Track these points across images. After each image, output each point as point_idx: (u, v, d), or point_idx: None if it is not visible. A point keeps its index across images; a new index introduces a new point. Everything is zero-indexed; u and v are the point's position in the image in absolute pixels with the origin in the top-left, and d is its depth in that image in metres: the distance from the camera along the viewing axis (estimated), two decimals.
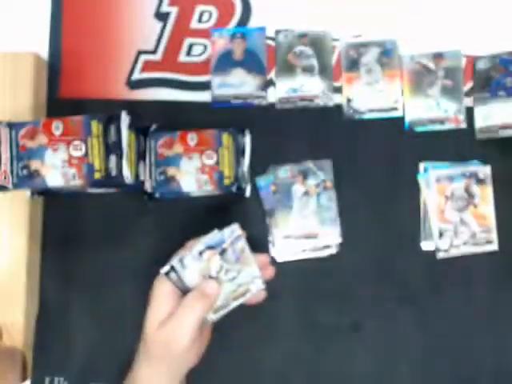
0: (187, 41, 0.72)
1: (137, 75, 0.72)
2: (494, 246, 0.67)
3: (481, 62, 0.70)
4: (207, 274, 0.55)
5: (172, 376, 0.57)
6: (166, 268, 0.55)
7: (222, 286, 0.56)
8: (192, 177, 0.65)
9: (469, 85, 0.71)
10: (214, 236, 0.55)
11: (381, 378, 0.67)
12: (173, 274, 0.55)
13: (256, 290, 0.57)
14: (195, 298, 0.55)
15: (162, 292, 0.56)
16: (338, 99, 0.71)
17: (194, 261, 0.54)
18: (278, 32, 0.72)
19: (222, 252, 0.55)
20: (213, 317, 0.58)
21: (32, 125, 0.60)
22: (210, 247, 0.54)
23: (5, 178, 0.59)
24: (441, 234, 0.67)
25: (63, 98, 0.71)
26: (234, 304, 0.58)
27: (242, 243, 0.56)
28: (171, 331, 0.54)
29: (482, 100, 0.70)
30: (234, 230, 0.55)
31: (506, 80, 0.69)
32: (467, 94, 0.70)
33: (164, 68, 0.72)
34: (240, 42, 0.72)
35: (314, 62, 0.71)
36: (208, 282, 0.56)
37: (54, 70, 0.72)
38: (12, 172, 0.59)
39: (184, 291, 0.56)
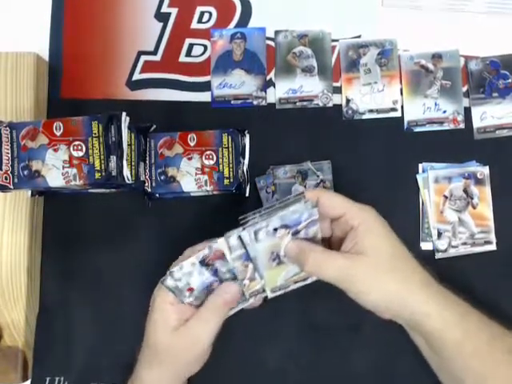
0: (187, 41, 0.72)
1: (137, 76, 0.72)
2: (493, 247, 0.67)
3: (472, 63, 0.71)
4: (276, 251, 0.54)
5: (179, 381, 0.58)
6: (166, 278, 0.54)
7: (286, 267, 0.55)
8: (192, 177, 0.66)
9: (467, 85, 0.71)
10: (291, 215, 0.52)
11: (380, 378, 0.67)
12: (171, 282, 0.54)
13: (315, 279, 0.57)
14: (217, 304, 0.55)
15: (167, 299, 0.55)
16: (337, 99, 0.71)
17: (267, 236, 0.52)
18: (277, 32, 0.72)
19: (295, 233, 0.53)
20: (269, 295, 0.58)
21: (33, 125, 0.60)
22: (285, 226, 0.52)
23: (6, 178, 0.59)
24: (439, 235, 0.67)
25: (64, 99, 0.72)
26: (293, 287, 0.58)
27: (316, 228, 0.54)
28: (189, 339, 0.54)
29: (478, 101, 0.70)
30: (312, 214, 0.52)
31: (498, 82, 0.70)
32: (466, 95, 0.71)
33: (164, 68, 0.72)
34: (240, 42, 0.72)
35: (314, 62, 0.72)
36: (228, 285, 0.55)
37: (55, 70, 0.72)
38: (13, 172, 0.59)
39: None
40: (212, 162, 0.66)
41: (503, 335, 0.55)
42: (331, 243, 0.57)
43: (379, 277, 0.52)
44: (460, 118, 0.70)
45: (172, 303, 0.55)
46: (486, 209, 0.68)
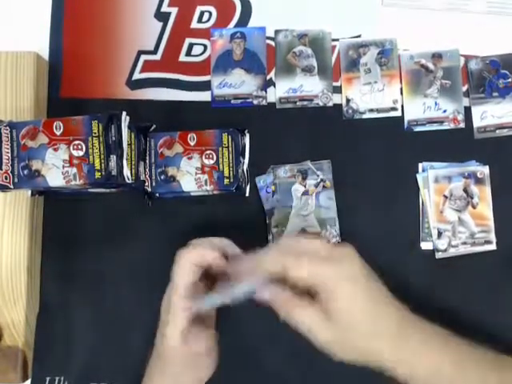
0: (187, 41, 0.72)
1: (137, 75, 0.72)
2: (493, 246, 0.67)
3: (472, 62, 0.71)
4: None
5: None
6: None
7: None
8: (192, 176, 0.66)
9: (467, 85, 0.71)
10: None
11: (379, 377, 0.67)
12: None
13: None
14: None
15: (180, 306, 0.54)
16: (337, 99, 0.71)
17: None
18: (277, 32, 0.72)
19: None
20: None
21: (33, 125, 0.60)
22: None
23: (6, 177, 0.59)
24: (439, 234, 0.67)
25: (64, 98, 0.71)
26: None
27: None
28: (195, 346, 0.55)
29: (478, 100, 0.70)
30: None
31: (498, 82, 0.70)
32: (466, 94, 0.71)
33: (164, 68, 0.72)
34: (240, 42, 0.72)
35: (314, 62, 0.72)
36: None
37: (55, 69, 0.72)
38: (13, 172, 0.59)
39: None
40: (212, 162, 0.66)
41: (478, 365, 0.54)
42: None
43: (345, 339, 0.51)
44: (460, 117, 0.70)
45: (186, 309, 0.54)
46: (485, 208, 0.68)
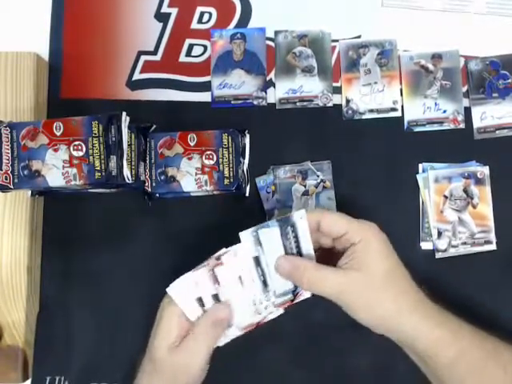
0: (187, 41, 0.72)
1: (137, 76, 0.72)
2: (493, 246, 0.67)
3: (472, 63, 0.71)
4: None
5: None
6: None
7: None
8: (192, 177, 0.66)
9: (467, 85, 0.71)
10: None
11: (381, 377, 0.67)
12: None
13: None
14: (208, 325, 0.53)
15: (173, 313, 0.54)
16: (337, 100, 0.71)
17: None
18: (277, 33, 0.72)
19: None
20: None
21: (33, 125, 0.60)
22: None
23: (6, 178, 0.59)
24: (439, 234, 0.68)
25: (64, 99, 0.72)
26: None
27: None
28: (182, 360, 0.53)
29: (478, 101, 0.70)
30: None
31: (498, 82, 0.70)
32: (465, 95, 0.71)
33: (164, 69, 0.72)
34: (240, 42, 0.72)
35: (314, 62, 0.72)
36: (220, 306, 0.54)
37: (55, 70, 0.72)
38: (13, 172, 0.59)
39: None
40: (212, 162, 0.66)
41: (497, 352, 0.55)
42: (331, 253, 0.57)
43: (370, 296, 0.52)
44: (460, 117, 0.70)
45: (178, 316, 0.54)
46: (486, 208, 0.68)
